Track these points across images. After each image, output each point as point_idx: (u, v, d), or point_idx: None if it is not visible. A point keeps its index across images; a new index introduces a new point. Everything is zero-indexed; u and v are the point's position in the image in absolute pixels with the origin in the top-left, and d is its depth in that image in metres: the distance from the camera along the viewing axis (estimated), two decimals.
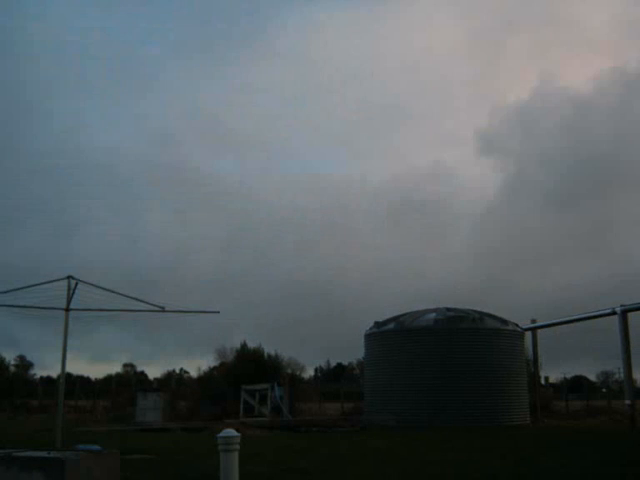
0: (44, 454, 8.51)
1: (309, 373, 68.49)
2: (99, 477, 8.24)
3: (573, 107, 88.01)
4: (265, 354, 40.39)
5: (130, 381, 57.54)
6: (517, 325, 29.81)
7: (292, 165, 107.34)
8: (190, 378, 56.20)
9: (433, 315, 28.24)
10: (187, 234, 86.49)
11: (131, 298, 17.53)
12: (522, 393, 28.12)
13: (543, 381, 40.15)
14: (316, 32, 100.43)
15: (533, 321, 34.21)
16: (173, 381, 53.23)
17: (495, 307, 42.47)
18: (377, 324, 29.68)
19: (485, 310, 29.50)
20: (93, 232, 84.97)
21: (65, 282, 16.95)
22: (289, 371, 40.48)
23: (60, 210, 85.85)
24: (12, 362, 54.51)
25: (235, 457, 8.97)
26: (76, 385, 48.50)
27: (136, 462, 13.88)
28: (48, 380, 49.58)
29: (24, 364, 64.52)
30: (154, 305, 17.79)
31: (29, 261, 63.49)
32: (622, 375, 30.40)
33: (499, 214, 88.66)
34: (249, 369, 37.12)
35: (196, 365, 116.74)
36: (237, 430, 9.58)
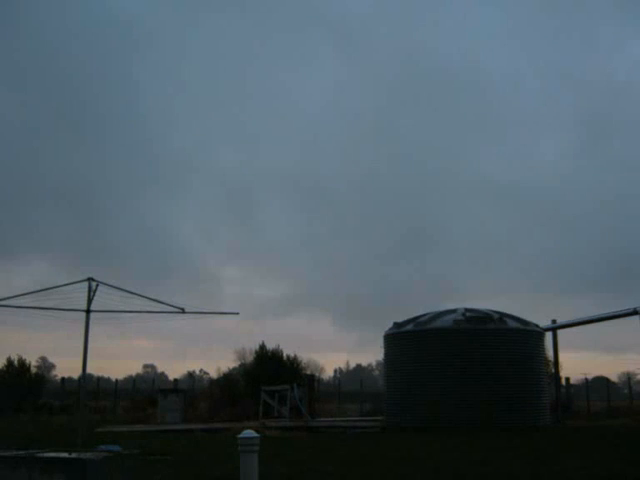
0: (66, 455, 8.60)
1: (328, 374, 68.76)
2: (120, 477, 8.30)
3: None
4: (284, 355, 40.47)
5: (150, 382, 57.88)
6: (537, 325, 29.62)
7: None
8: (210, 379, 56.50)
9: (452, 316, 28.12)
10: None
11: (151, 299, 17.67)
12: (542, 394, 27.94)
13: (564, 382, 39.88)
14: None
15: (553, 321, 33.97)
16: (193, 382, 53.51)
17: None
18: (396, 325, 29.61)
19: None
20: None
21: (86, 284, 17.12)
22: (308, 372, 40.50)
23: None
24: (34, 363, 55.03)
25: (255, 458, 9.01)
26: (98, 386, 48.92)
27: (156, 463, 13.96)
28: (69, 381, 49.91)
29: (46, 365, 65.21)
30: (174, 306, 17.94)
31: None
32: None
33: None
34: (268, 370, 37.22)
35: (216, 366, 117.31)
36: (257, 431, 9.61)
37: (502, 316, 28.19)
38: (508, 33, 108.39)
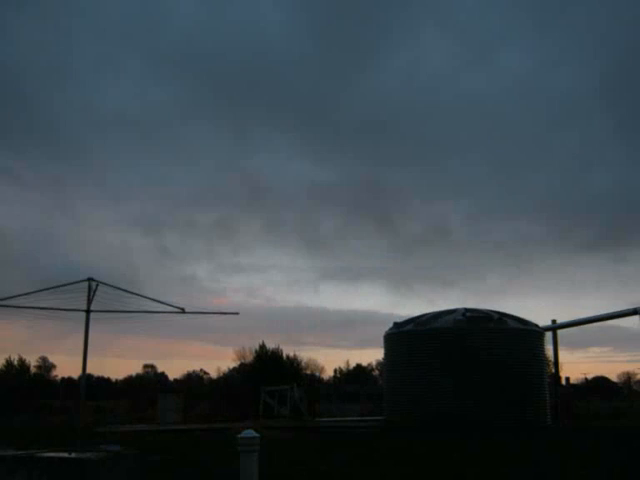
0: (65, 455, 8.58)
1: (328, 374, 68.72)
2: (119, 477, 8.30)
3: None
4: (284, 355, 40.52)
5: (150, 382, 57.93)
6: (537, 325, 29.63)
7: None
8: (210, 379, 56.55)
9: (452, 316, 28.12)
10: None
11: (151, 299, 17.67)
12: (542, 394, 27.95)
13: (564, 381, 39.89)
14: None
15: (553, 321, 33.99)
16: (193, 382, 53.55)
17: None
18: (397, 325, 29.62)
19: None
20: None
21: (86, 284, 17.12)
22: (308, 372, 40.57)
23: None
24: (34, 364, 55.05)
25: (255, 458, 9.00)
26: (98, 386, 48.95)
27: (156, 462, 13.96)
28: (69, 381, 49.98)
29: (46, 365, 65.24)
30: (174, 306, 17.94)
31: None
32: None
33: None
34: (268, 370, 37.26)
35: (216, 366, 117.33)
36: (257, 431, 9.60)
37: (502, 316, 28.19)
38: None
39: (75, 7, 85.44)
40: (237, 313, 21.43)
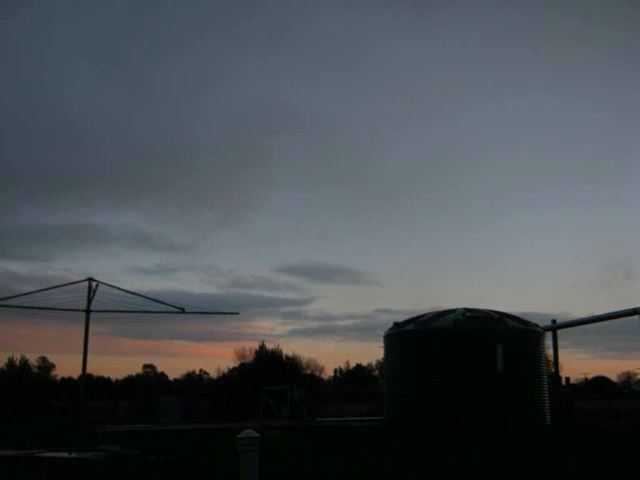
0: (66, 455, 8.61)
1: (328, 374, 68.73)
2: (120, 476, 8.31)
3: None
4: (284, 355, 40.55)
5: (150, 382, 57.93)
6: (537, 325, 29.60)
7: None
8: (210, 379, 56.56)
9: (452, 316, 28.10)
10: None
11: (151, 299, 17.72)
12: (542, 394, 27.92)
13: (564, 381, 39.89)
14: None
15: (553, 321, 33.97)
16: (193, 382, 53.55)
17: None
18: (396, 325, 29.60)
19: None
20: None
21: (86, 284, 17.17)
22: (308, 372, 40.57)
23: None
24: (34, 363, 55.00)
25: (255, 458, 9.01)
26: (97, 386, 48.95)
27: (156, 463, 13.95)
28: (69, 381, 49.94)
29: (46, 365, 65.25)
30: (174, 306, 17.99)
31: None
32: None
33: None
34: (268, 370, 37.28)
35: (216, 366, 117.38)
36: (257, 431, 9.61)
37: (502, 316, 28.18)
38: None
39: None
40: (237, 313, 21.48)
